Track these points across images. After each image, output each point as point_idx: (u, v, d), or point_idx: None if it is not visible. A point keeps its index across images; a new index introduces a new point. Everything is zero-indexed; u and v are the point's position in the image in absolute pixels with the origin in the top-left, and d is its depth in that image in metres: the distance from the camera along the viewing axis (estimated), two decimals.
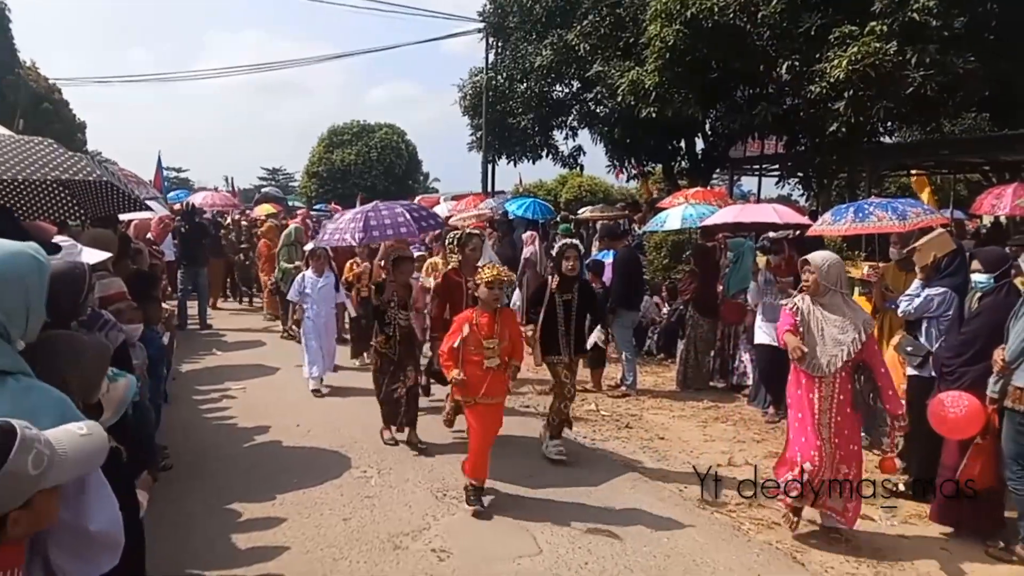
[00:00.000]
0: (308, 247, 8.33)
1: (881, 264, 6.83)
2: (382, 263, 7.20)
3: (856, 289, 6.71)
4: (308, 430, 6.62)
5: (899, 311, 5.46)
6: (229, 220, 16.68)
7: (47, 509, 1.57)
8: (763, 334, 7.36)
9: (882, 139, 13.99)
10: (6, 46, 29.44)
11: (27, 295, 1.85)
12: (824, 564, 4.33)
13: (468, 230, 6.35)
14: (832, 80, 10.50)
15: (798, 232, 8.60)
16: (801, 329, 4.59)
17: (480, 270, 5.15)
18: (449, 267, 6.60)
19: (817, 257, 4.71)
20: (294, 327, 10.40)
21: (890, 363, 5.77)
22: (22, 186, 3.61)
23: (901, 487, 5.28)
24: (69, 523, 1.75)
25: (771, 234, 8.38)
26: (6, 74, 28.95)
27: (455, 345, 4.98)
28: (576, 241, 6.57)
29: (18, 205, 3.66)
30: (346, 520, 4.75)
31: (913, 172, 17.18)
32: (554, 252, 6.29)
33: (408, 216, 6.92)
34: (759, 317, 7.44)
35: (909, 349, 5.29)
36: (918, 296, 5.26)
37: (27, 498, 1.48)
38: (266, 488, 5.21)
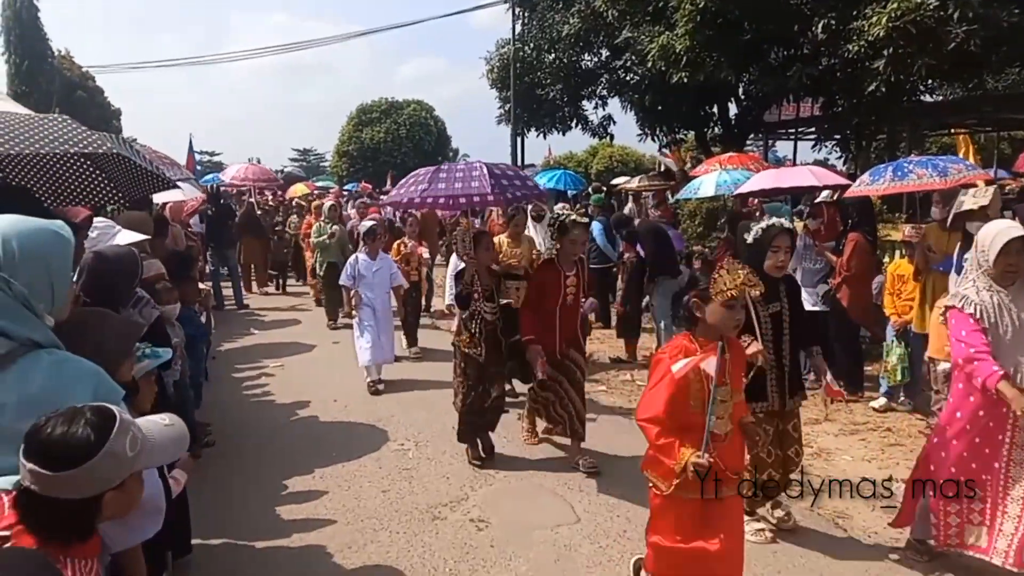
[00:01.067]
0: (362, 226, 7.70)
1: (923, 224, 6.63)
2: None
3: (898, 252, 6.55)
4: (345, 405, 6.69)
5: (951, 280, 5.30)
6: (267, 198, 16.36)
7: (136, 493, 1.62)
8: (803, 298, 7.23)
9: (922, 98, 13.55)
10: (37, 35, 29.89)
11: (49, 270, 1.87)
12: (867, 529, 4.27)
13: (572, 216, 5.12)
14: (871, 38, 10.14)
15: (837, 195, 8.40)
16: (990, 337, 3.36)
17: (716, 278, 3.03)
18: (542, 257, 5.92)
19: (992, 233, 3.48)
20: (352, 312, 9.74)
21: (934, 327, 5.64)
22: (53, 169, 3.64)
23: None
24: None
25: (823, 195, 8.18)
26: (40, 63, 29.44)
27: (665, 405, 2.95)
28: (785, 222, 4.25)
29: (49, 188, 3.70)
30: (385, 492, 4.81)
31: (955, 131, 16.68)
32: (750, 239, 4.02)
33: (486, 174, 5.34)
34: (798, 281, 7.31)
35: None
36: None
37: (123, 479, 1.53)
38: (306, 462, 5.29)
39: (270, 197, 17.06)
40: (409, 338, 8.77)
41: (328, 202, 11.99)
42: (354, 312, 7.55)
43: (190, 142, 18.89)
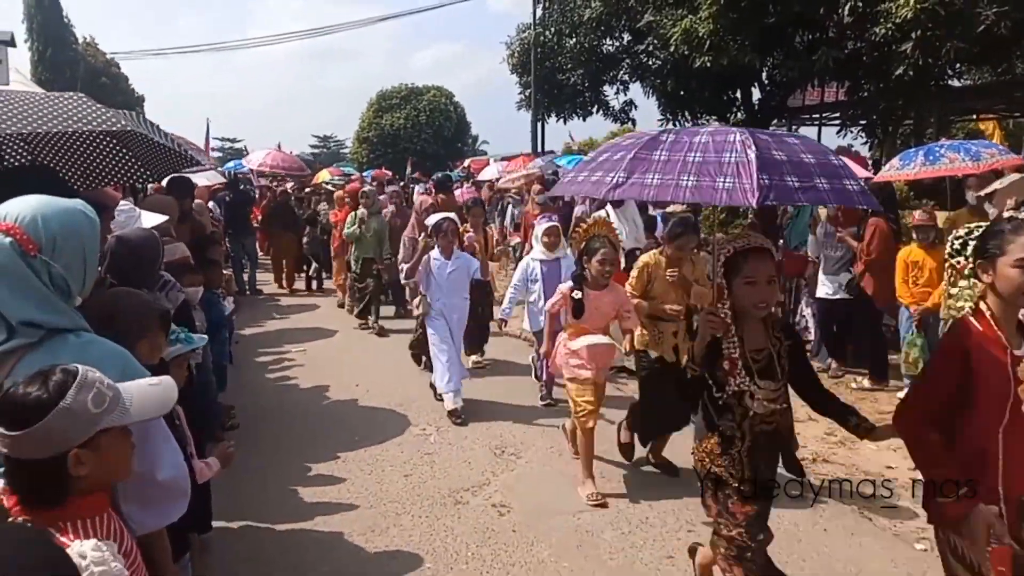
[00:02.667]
0: (430, 220, 6.37)
1: (951, 213, 6.52)
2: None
3: (915, 235, 6.42)
4: (367, 390, 6.72)
5: None
6: (289, 187, 14.64)
7: (116, 455, 1.59)
8: (823, 287, 7.15)
9: (950, 82, 13.30)
10: (60, 22, 30.14)
11: (84, 250, 1.88)
12: (892, 520, 4.22)
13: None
14: (898, 20, 9.96)
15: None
16: None
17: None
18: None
19: None
20: (377, 322, 9.18)
21: None
22: (79, 148, 3.66)
23: None
24: (136, 472, 1.79)
25: None
26: (63, 50, 29.70)
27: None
28: None
29: (79, 168, 3.72)
30: (407, 476, 4.82)
31: (984, 116, 16.36)
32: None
33: (751, 161, 2.55)
34: (820, 269, 7.23)
35: None
36: None
37: (88, 436, 1.50)
38: (329, 446, 5.32)
39: (288, 187, 15.10)
40: (472, 347, 7.53)
41: (365, 187, 10.53)
42: (416, 311, 6.41)
43: (207, 127, 18.93)
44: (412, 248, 7.23)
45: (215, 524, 3.83)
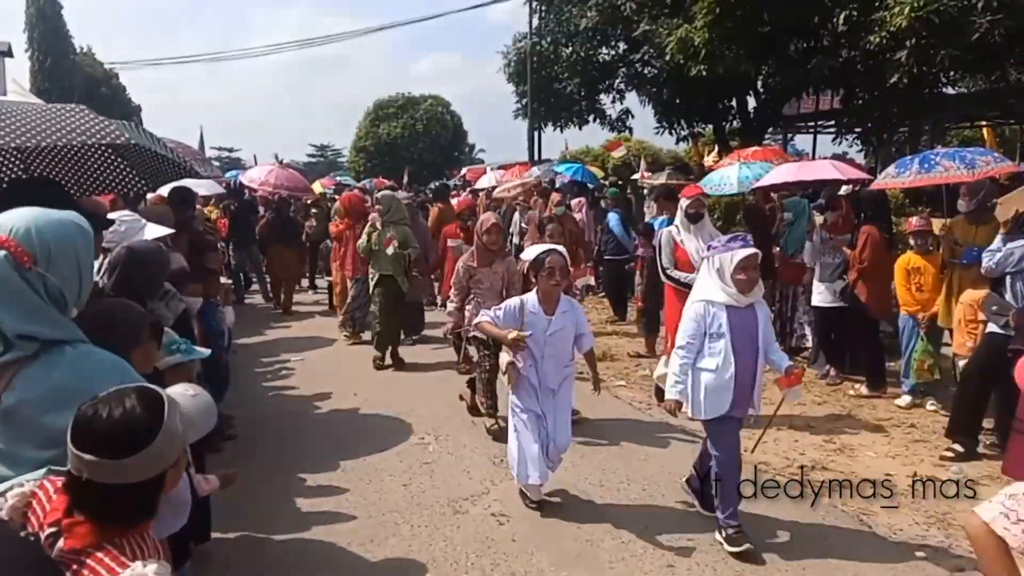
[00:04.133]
0: (528, 254, 4.72)
1: (948, 220, 6.55)
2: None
3: (911, 242, 6.45)
4: (365, 399, 6.71)
5: (982, 267, 5.24)
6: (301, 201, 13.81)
7: (183, 466, 1.64)
8: (819, 295, 7.17)
9: (945, 90, 13.38)
10: (60, 33, 30.23)
11: (79, 261, 1.88)
12: (892, 527, 4.23)
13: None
14: (893, 29, 10.02)
15: (856, 188, 8.30)
16: None
17: None
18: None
19: None
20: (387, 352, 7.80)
21: (957, 319, 5.58)
22: (75, 158, 3.68)
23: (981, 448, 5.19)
24: None
25: (844, 188, 8.12)
26: (62, 60, 29.77)
27: None
28: None
29: (74, 178, 3.74)
30: (406, 486, 4.82)
31: (978, 123, 16.45)
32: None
33: None
34: (816, 277, 7.25)
35: (994, 308, 5.07)
36: (999, 251, 5.06)
37: (179, 455, 1.54)
38: (327, 455, 5.31)
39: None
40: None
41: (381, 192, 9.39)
42: (506, 377, 4.52)
43: (200, 136, 18.99)
44: (468, 278, 5.85)
45: (213, 535, 3.83)
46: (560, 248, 4.63)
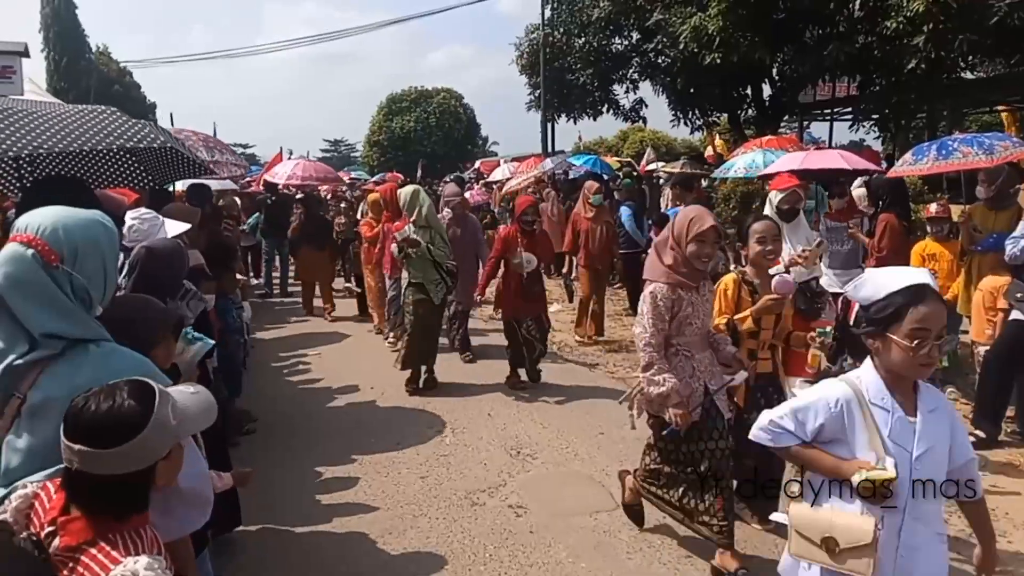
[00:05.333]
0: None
1: (967, 206, 6.47)
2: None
3: (928, 228, 6.38)
4: (382, 392, 6.75)
5: (1006, 254, 5.18)
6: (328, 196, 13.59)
7: (179, 460, 1.64)
8: (826, 282, 7.10)
9: (963, 75, 13.21)
10: (76, 33, 30.45)
11: (104, 260, 1.90)
12: None
13: None
14: (910, 14, 9.92)
15: (872, 175, 8.19)
16: None
17: None
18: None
19: None
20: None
21: (976, 309, 5.52)
22: (91, 156, 3.72)
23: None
24: None
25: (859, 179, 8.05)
26: (78, 59, 30.00)
27: None
28: None
29: (89, 175, 3.79)
30: (423, 478, 4.85)
31: (997, 108, 16.21)
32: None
33: None
34: (824, 264, 7.18)
35: (1019, 295, 5.02)
36: (1023, 237, 5.00)
37: (169, 448, 1.54)
38: (345, 449, 5.35)
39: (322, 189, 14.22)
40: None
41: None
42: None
43: (214, 132, 19.07)
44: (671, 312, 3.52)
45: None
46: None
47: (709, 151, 14.07)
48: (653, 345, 3.46)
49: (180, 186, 7.91)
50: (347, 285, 11.27)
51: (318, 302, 10.54)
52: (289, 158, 16.10)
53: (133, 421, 1.45)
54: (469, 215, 8.05)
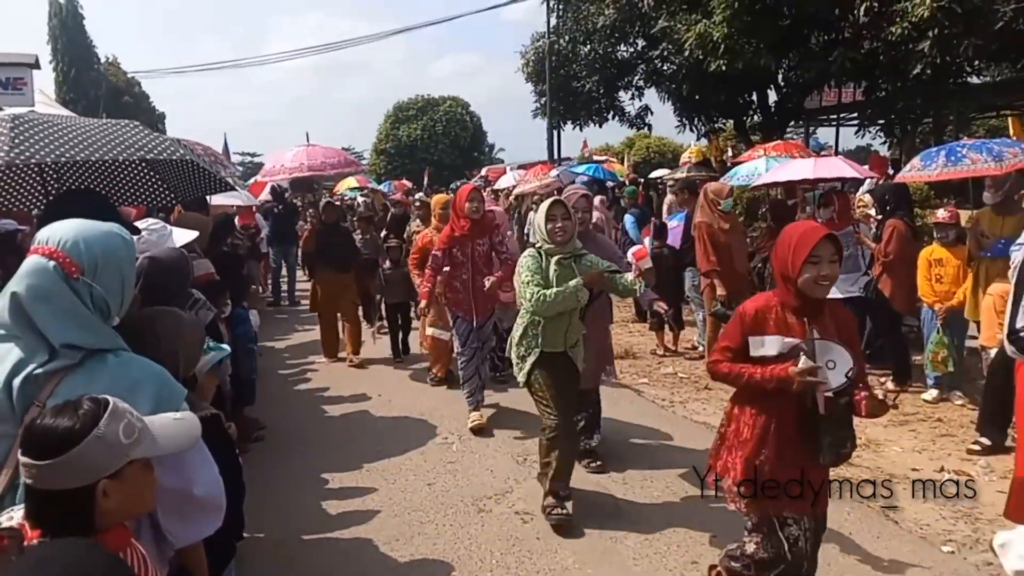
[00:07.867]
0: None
1: (975, 211, 6.47)
2: None
3: (935, 234, 6.37)
4: (389, 400, 6.78)
5: (1012, 260, 5.17)
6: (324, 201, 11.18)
7: (142, 484, 1.58)
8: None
9: (969, 79, 13.20)
10: (83, 43, 30.73)
11: (122, 271, 1.94)
12: (919, 521, 4.20)
13: None
14: (915, 19, 9.91)
15: (845, 185, 8.18)
16: None
17: None
18: None
19: None
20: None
21: (986, 313, 5.51)
22: (113, 171, 3.77)
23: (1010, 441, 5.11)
24: (174, 487, 1.84)
25: (864, 185, 8.07)
26: (87, 70, 30.24)
27: None
28: None
29: (110, 189, 3.83)
30: (431, 485, 4.86)
31: (1004, 112, 16.17)
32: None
33: None
34: None
35: None
36: None
37: (119, 466, 1.49)
38: (352, 455, 5.38)
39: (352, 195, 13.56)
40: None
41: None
42: None
43: (224, 141, 19.19)
44: None
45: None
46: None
47: (687, 157, 14.07)
48: None
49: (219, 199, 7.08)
50: (378, 323, 8.75)
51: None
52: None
53: (71, 434, 1.43)
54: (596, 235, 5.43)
